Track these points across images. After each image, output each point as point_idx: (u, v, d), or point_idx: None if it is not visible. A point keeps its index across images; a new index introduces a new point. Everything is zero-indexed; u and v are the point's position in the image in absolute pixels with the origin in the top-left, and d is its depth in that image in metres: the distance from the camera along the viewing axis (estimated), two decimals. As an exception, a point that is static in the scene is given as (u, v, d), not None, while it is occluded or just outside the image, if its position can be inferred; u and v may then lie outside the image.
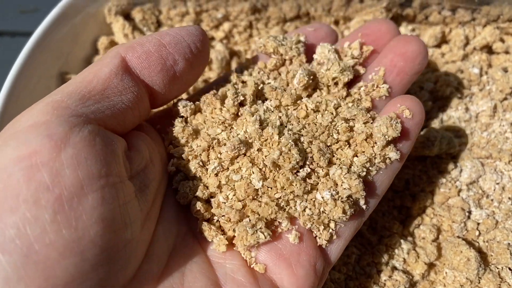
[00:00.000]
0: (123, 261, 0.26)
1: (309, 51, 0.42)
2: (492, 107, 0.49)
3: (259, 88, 0.38)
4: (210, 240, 0.33)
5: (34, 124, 0.25)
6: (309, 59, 0.41)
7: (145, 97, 0.33)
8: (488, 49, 0.55)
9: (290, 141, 0.33)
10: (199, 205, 0.33)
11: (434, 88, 0.52)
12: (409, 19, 0.56)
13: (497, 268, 0.42)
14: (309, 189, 0.33)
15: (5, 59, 0.48)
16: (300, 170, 0.33)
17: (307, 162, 0.34)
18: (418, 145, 0.47)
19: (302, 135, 0.35)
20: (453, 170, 0.47)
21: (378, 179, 0.37)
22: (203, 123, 0.36)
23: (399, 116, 0.36)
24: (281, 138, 0.33)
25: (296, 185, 0.32)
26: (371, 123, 0.36)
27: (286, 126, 0.36)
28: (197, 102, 0.37)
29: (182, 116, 0.37)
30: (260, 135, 0.34)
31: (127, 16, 0.55)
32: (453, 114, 0.50)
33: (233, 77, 0.40)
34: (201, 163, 0.34)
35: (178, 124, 0.36)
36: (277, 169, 0.33)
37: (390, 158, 0.36)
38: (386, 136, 0.35)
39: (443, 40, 0.56)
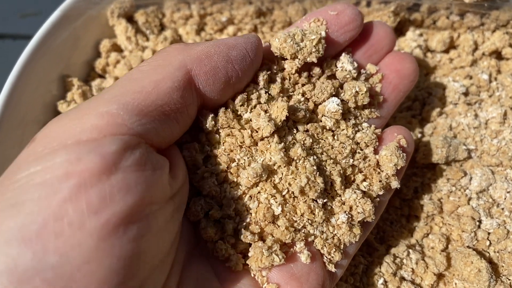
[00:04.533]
0: (152, 285, 0.25)
1: (331, 44, 0.38)
2: (502, 113, 0.48)
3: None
4: (224, 259, 0.32)
5: (87, 139, 0.23)
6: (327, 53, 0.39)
7: (195, 112, 0.31)
8: (497, 54, 0.54)
9: (315, 167, 0.33)
10: (210, 231, 0.32)
11: (442, 94, 0.51)
12: (416, 24, 0.56)
13: (509, 280, 0.41)
14: (328, 217, 0.34)
15: (6, 62, 0.47)
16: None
17: (327, 187, 0.34)
18: (427, 152, 0.46)
19: (324, 160, 0.35)
20: (463, 178, 0.46)
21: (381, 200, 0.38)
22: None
23: (401, 146, 0.38)
24: (305, 163, 0.33)
25: (318, 213, 0.33)
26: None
27: (309, 147, 0.35)
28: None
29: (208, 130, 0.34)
30: (287, 163, 0.33)
31: (130, 19, 0.54)
32: (462, 121, 0.49)
33: (263, 80, 0.35)
34: (215, 182, 0.33)
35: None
36: (301, 195, 0.32)
37: (391, 186, 0.37)
38: (396, 166, 0.36)
39: (451, 45, 0.55)
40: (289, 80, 0.38)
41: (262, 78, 0.35)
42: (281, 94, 0.36)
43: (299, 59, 0.36)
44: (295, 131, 0.35)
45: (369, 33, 0.41)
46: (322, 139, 0.36)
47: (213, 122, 0.33)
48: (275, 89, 0.36)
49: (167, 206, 0.26)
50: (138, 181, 0.24)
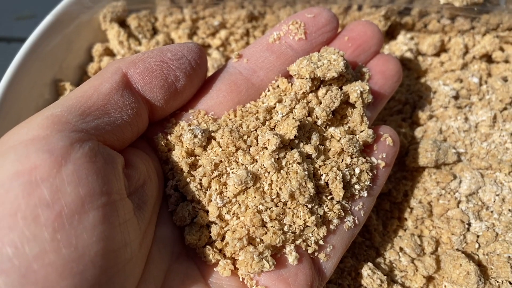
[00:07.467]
0: (122, 282, 0.26)
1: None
2: (492, 117, 0.48)
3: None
4: (212, 264, 0.33)
5: (33, 138, 0.24)
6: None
7: (145, 113, 0.33)
8: (488, 58, 0.54)
9: (306, 172, 0.33)
10: (190, 238, 0.33)
11: (433, 98, 0.51)
12: (407, 27, 0.56)
13: (497, 282, 0.41)
14: (321, 222, 0.34)
15: (0, 65, 0.47)
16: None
17: (325, 192, 0.35)
18: (417, 156, 0.46)
19: (319, 165, 0.35)
20: (452, 181, 0.46)
21: (366, 200, 0.38)
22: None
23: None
24: (297, 168, 0.33)
25: (308, 218, 0.33)
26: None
27: (307, 155, 0.35)
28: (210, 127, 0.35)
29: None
30: (277, 169, 0.33)
31: (123, 23, 0.54)
32: (452, 124, 0.49)
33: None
34: (199, 186, 0.33)
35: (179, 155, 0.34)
36: (291, 200, 0.33)
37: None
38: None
39: (442, 49, 0.55)
40: (296, 99, 0.38)
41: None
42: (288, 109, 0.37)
43: (318, 76, 0.36)
44: (296, 141, 0.35)
45: (356, 33, 0.42)
46: (326, 148, 0.37)
47: (164, 140, 0.35)
48: (284, 108, 0.36)
49: (126, 202, 0.27)
50: (89, 172, 0.25)
